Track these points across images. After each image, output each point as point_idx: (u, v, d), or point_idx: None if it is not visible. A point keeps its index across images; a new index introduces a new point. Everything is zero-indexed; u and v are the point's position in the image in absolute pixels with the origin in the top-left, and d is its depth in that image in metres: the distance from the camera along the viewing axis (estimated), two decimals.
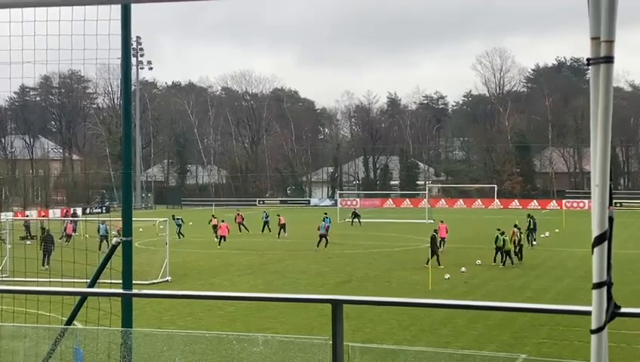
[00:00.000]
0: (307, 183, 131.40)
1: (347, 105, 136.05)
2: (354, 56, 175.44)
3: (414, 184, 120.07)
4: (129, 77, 11.68)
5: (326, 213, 59.04)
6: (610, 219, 2.77)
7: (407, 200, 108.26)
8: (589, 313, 2.85)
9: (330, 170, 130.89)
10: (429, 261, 37.24)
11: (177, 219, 58.85)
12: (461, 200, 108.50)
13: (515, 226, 43.27)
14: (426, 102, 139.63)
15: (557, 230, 59.63)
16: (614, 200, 2.83)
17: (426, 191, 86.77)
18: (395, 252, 47.50)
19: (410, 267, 39.32)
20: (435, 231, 43.58)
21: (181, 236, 56.69)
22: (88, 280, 12.11)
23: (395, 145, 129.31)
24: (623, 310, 2.92)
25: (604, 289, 2.81)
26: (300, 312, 24.72)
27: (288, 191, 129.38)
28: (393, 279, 35.39)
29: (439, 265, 38.51)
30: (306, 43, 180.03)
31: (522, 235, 43.55)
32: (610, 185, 2.75)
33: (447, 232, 47.20)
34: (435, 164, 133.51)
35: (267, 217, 62.92)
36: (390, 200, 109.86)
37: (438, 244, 41.83)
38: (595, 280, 2.80)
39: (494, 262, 40.25)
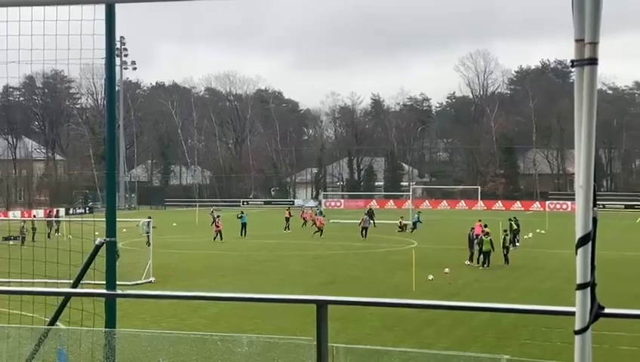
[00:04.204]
0: (291, 184, 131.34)
1: (331, 106, 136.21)
2: (338, 58, 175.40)
3: (398, 185, 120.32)
4: (113, 77, 11.62)
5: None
6: (594, 220, 2.78)
7: (391, 201, 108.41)
8: (572, 313, 2.86)
9: (315, 171, 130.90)
10: (471, 258, 41.20)
11: (242, 216, 61.26)
12: (445, 201, 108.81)
13: (486, 226, 43.64)
14: (410, 103, 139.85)
15: (541, 231, 59.95)
16: (598, 202, 2.84)
17: (410, 193, 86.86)
18: (379, 253, 47.56)
19: (393, 268, 39.35)
20: (472, 228, 43.81)
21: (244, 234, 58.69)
22: (72, 281, 12.06)
23: (380, 147, 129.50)
24: (606, 311, 2.93)
25: (588, 290, 2.82)
26: (285, 313, 24.69)
27: (272, 192, 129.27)
28: (377, 280, 35.42)
29: (471, 262, 40.98)
30: (292, 45, 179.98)
31: (507, 237, 43.67)
32: (594, 187, 2.76)
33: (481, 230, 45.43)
34: (419, 166, 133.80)
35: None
36: (374, 201, 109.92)
37: (474, 242, 42.05)
38: (578, 281, 2.81)
39: (478, 263, 40.53)
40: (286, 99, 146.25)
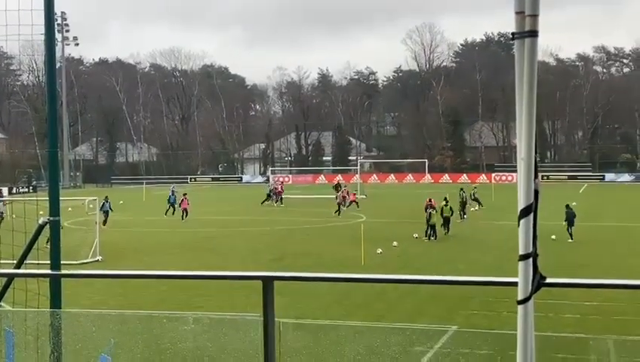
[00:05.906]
0: (239, 160, 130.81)
1: (278, 81, 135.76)
2: (284, 33, 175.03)
3: (346, 159, 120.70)
4: (53, 53, 11.36)
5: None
6: (536, 192, 2.81)
7: (340, 175, 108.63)
8: (516, 284, 2.90)
9: (262, 146, 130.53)
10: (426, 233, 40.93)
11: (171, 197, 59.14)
12: (392, 175, 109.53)
13: (430, 200, 43.64)
14: (356, 77, 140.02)
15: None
16: (541, 173, 2.87)
17: (358, 167, 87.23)
18: (328, 228, 47.73)
19: (343, 242, 39.51)
20: (430, 201, 43.43)
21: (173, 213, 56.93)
22: (15, 262, 11.84)
23: (327, 121, 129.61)
24: (548, 280, 2.97)
25: (530, 260, 2.85)
26: (233, 289, 24.64)
27: (220, 169, 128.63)
28: (326, 255, 35.54)
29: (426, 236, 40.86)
30: (238, 20, 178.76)
31: (445, 208, 43.26)
32: (535, 158, 2.78)
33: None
34: (366, 140, 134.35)
35: None
36: (322, 176, 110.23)
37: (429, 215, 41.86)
38: (520, 251, 2.84)
39: (425, 235, 40.93)
40: (232, 74, 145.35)
